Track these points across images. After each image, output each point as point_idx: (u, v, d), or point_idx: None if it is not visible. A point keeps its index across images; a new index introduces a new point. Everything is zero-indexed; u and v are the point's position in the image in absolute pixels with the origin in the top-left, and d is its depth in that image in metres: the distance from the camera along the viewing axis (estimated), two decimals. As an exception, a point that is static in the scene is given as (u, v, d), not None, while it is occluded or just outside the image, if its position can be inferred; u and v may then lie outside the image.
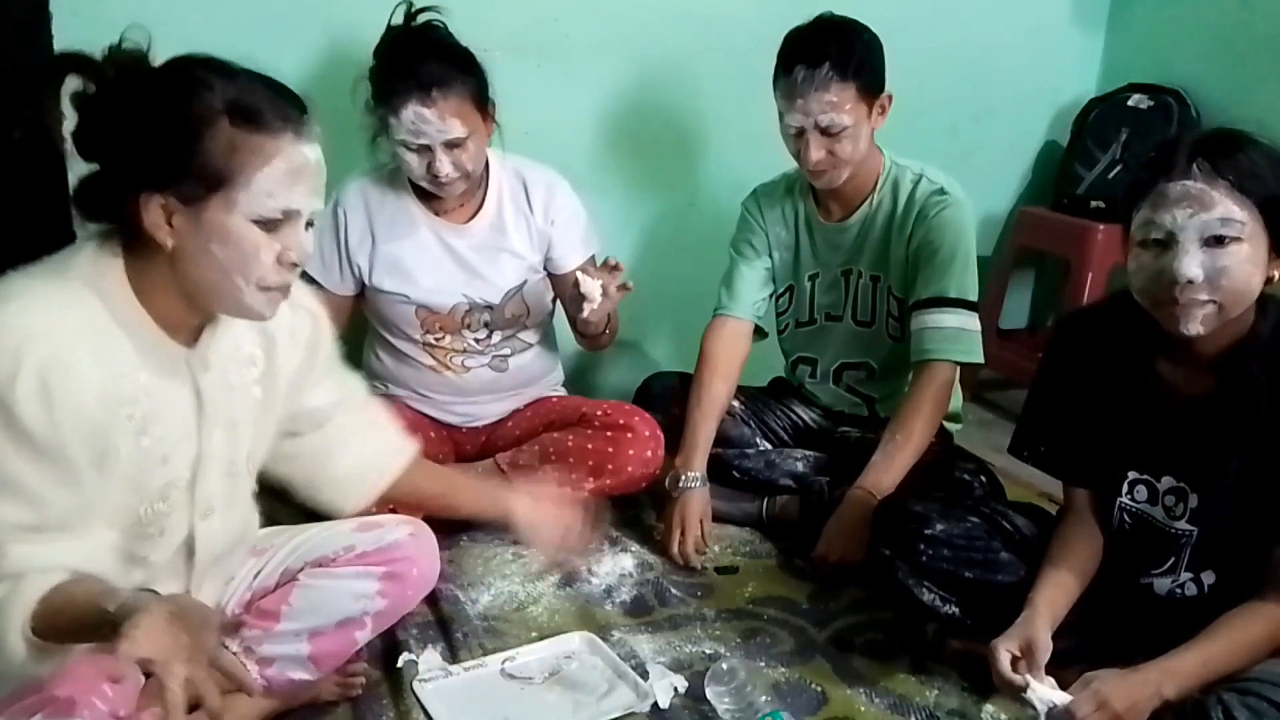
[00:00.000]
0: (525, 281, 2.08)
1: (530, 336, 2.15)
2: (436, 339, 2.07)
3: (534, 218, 2.07)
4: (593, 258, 2.12)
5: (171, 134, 1.11)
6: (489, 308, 2.06)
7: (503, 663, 1.60)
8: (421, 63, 1.84)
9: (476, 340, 2.09)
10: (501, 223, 2.06)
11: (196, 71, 1.14)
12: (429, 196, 2.02)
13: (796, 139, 1.93)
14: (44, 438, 1.07)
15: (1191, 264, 1.29)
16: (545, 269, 2.11)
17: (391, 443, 1.53)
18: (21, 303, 1.10)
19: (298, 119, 1.16)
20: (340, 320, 1.97)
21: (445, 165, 1.88)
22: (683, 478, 1.99)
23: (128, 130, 1.12)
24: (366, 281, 2.05)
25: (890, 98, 1.95)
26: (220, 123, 1.11)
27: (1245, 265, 1.30)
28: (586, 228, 2.14)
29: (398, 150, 1.90)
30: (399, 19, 1.93)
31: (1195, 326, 1.32)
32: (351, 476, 1.48)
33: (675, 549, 1.96)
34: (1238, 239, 1.29)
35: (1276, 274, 1.34)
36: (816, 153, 1.90)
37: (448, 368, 2.10)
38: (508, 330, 2.10)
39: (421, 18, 1.93)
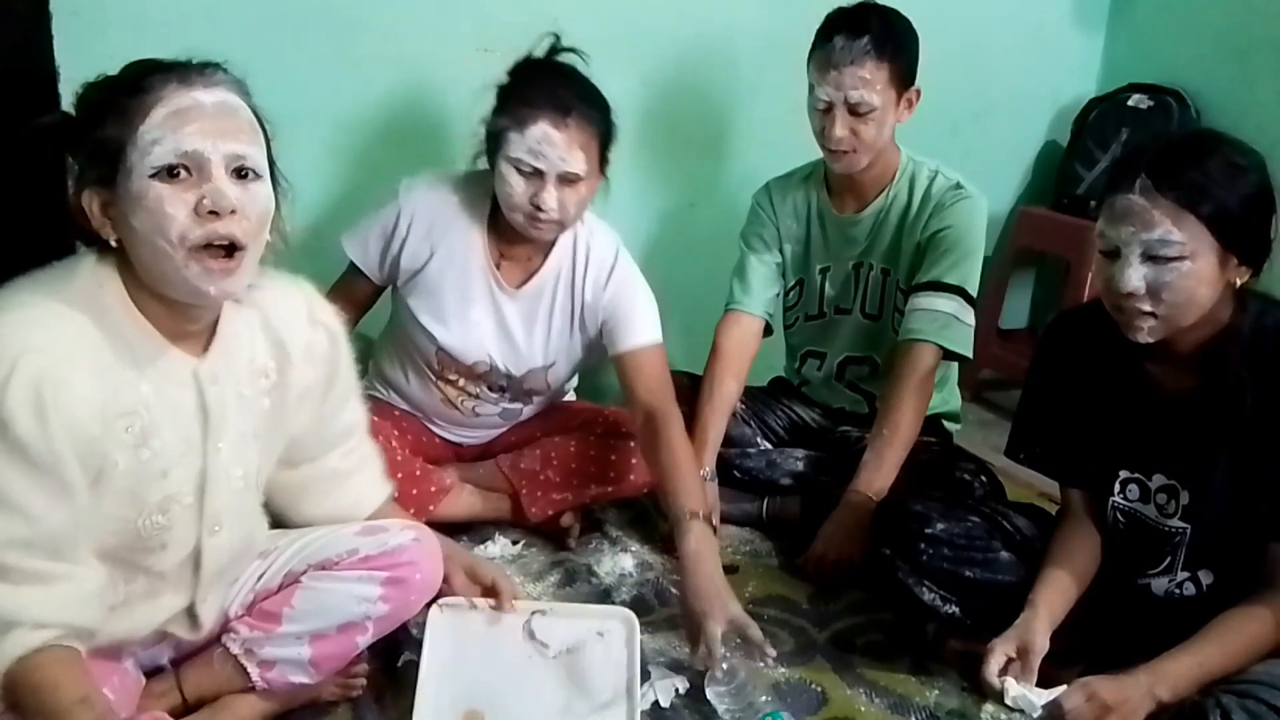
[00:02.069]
0: (554, 364, 1.96)
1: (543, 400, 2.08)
2: (450, 379, 1.98)
3: (585, 297, 1.91)
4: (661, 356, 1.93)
5: (81, 125, 1.14)
6: (509, 376, 1.96)
7: (531, 613, 1.53)
8: (566, 86, 1.75)
9: (490, 391, 2.00)
10: (553, 297, 1.92)
11: (116, 73, 1.17)
12: (497, 236, 1.88)
13: (823, 114, 1.93)
14: (37, 452, 1.06)
15: (1133, 277, 1.32)
16: (601, 341, 1.94)
17: (367, 491, 1.51)
18: (19, 314, 1.09)
19: (182, 70, 1.14)
20: (358, 308, 1.91)
21: (551, 199, 1.72)
22: None
23: (71, 139, 1.16)
24: (402, 290, 1.92)
25: (919, 93, 1.96)
26: (112, 101, 1.13)
27: (1187, 281, 1.31)
28: (648, 310, 1.93)
29: (504, 171, 1.74)
30: (541, 51, 1.82)
31: (1142, 336, 1.37)
32: (321, 518, 1.47)
33: None
34: (1179, 257, 1.30)
35: (1238, 279, 1.35)
36: (841, 129, 1.90)
37: (456, 407, 2.01)
38: (522, 400, 2.03)
39: (565, 56, 1.82)
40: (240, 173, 1.14)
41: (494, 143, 1.77)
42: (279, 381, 1.32)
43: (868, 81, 1.87)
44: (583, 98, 1.75)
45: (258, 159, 1.16)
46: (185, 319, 1.20)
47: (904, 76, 1.93)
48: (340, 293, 1.80)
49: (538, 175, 1.73)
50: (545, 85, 1.74)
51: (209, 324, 1.24)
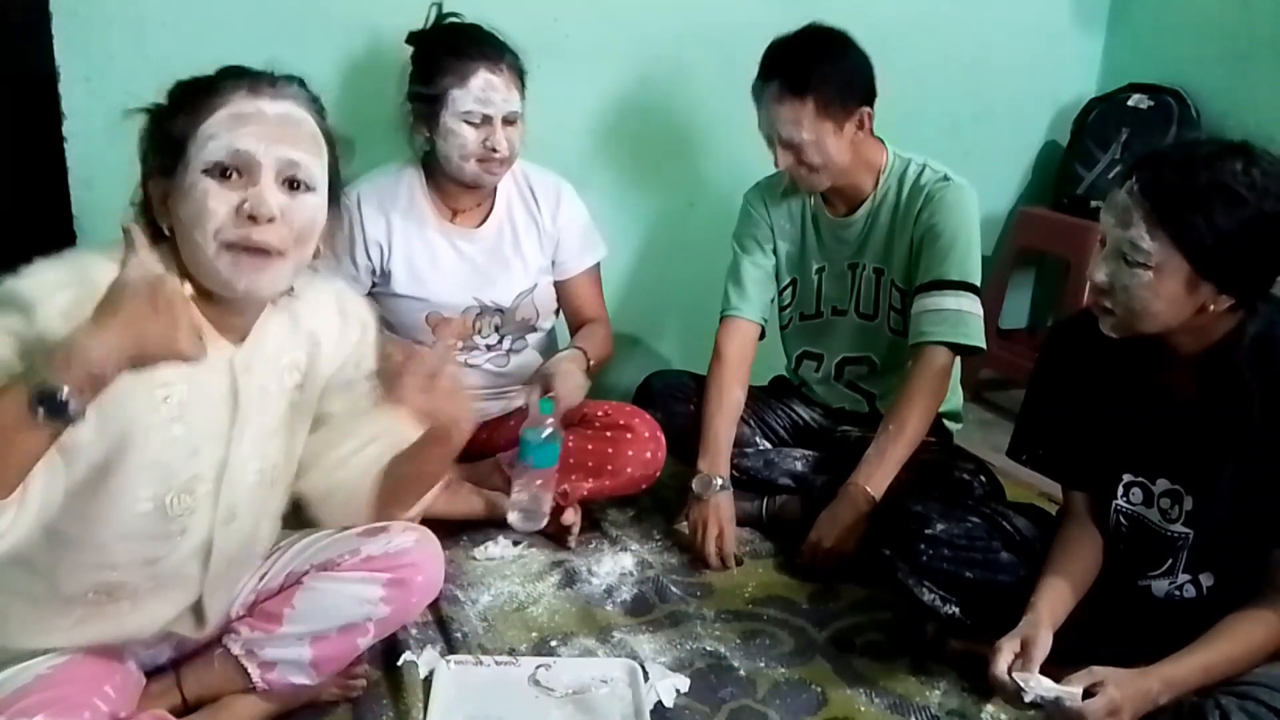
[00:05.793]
0: (536, 285, 2.08)
1: (533, 336, 2.14)
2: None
3: (542, 220, 2.09)
4: (597, 275, 2.15)
5: (158, 121, 1.18)
6: (500, 311, 2.05)
7: (536, 668, 1.58)
8: (484, 38, 1.91)
9: (488, 346, 2.08)
10: (512, 226, 2.07)
11: (193, 77, 1.19)
12: (443, 198, 2.02)
13: (769, 145, 1.96)
14: None
15: (1101, 270, 1.34)
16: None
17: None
18: (81, 259, 1.12)
19: (254, 78, 1.17)
20: None
21: (503, 140, 1.89)
22: (714, 481, 1.98)
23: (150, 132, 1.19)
24: (379, 281, 2.02)
25: (869, 114, 1.93)
26: (186, 97, 1.16)
27: (1144, 291, 1.31)
28: (591, 234, 2.16)
29: (453, 127, 1.88)
30: (428, 23, 1.97)
31: (1105, 329, 1.38)
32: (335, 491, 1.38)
33: (711, 549, 1.95)
34: (1143, 265, 1.30)
35: (1214, 305, 1.32)
36: (783, 160, 1.95)
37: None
38: (517, 334, 2.10)
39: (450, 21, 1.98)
40: (292, 183, 1.16)
41: (433, 106, 1.90)
42: (309, 373, 1.32)
43: (790, 120, 1.88)
44: (501, 44, 1.92)
45: (312, 171, 1.17)
46: (227, 311, 1.21)
47: (835, 105, 1.88)
48: None
49: (487, 121, 1.89)
50: (468, 41, 1.90)
51: (250, 321, 1.24)
